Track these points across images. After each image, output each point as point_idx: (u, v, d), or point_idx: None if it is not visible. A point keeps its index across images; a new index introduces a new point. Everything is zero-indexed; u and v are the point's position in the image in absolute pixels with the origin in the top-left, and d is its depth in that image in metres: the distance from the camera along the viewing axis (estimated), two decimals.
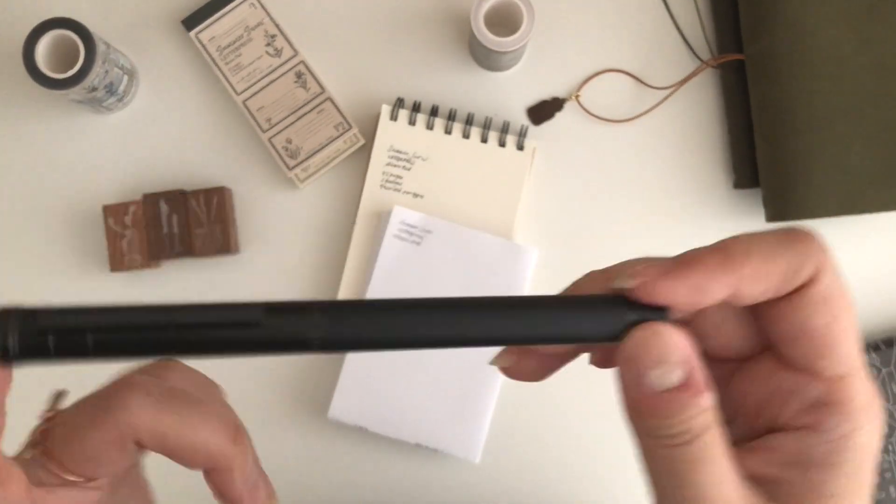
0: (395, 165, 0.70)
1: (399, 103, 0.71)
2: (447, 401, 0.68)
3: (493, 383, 0.68)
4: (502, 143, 0.70)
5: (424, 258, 0.69)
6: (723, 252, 0.20)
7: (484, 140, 0.70)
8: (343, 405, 0.68)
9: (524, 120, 0.72)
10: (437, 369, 0.68)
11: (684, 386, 0.20)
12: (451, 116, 0.70)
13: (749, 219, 0.72)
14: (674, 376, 0.20)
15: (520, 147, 0.70)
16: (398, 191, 0.70)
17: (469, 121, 0.71)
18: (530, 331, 0.22)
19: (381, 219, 0.70)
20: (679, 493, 0.20)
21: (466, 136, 0.70)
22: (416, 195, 0.70)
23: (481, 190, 0.70)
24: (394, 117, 0.70)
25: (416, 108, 0.70)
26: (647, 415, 0.20)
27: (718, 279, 0.20)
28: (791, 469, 0.21)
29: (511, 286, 0.69)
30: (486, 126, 0.70)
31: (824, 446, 0.21)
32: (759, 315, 0.22)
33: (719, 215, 0.72)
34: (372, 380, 0.68)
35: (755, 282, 0.20)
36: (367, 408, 0.68)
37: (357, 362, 0.68)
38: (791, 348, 0.21)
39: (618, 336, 0.21)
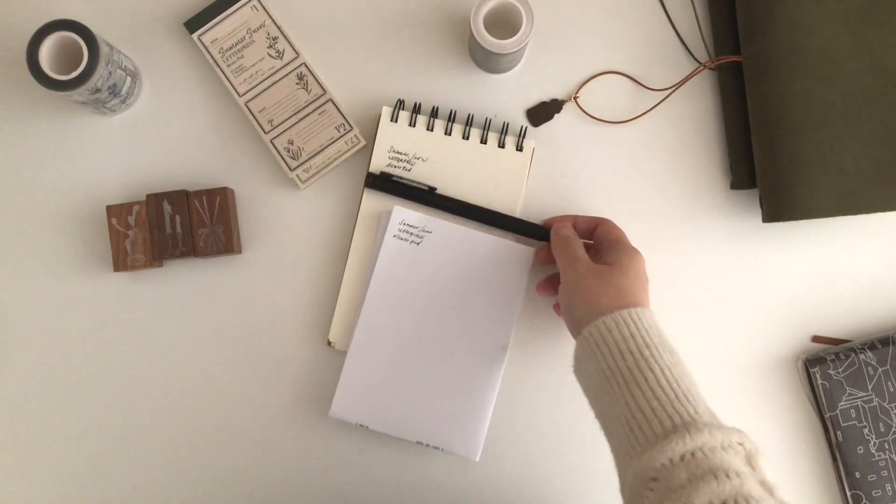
0: (395, 166, 0.71)
1: (400, 105, 0.71)
2: (448, 399, 0.68)
3: (493, 382, 0.69)
4: (502, 145, 0.71)
5: (424, 258, 0.70)
6: (573, 216, 0.69)
7: (483, 141, 0.71)
8: (344, 403, 0.68)
9: (523, 121, 0.72)
10: (437, 368, 0.69)
11: (569, 235, 0.66)
12: (451, 118, 0.71)
13: (746, 219, 0.72)
14: (567, 232, 0.66)
15: (519, 148, 0.71)
16: None
17: (469, 122, 0.71)
18: (522, 227, 0.70)
19: (381, 219, 0.71)
20: (566, 255, 0.64)
21: (466, 137, 0.71)
22: None
23: (481, 191, 0.71)
24: (394, 119, 0.71)
25: (416, 109, 0.71)
26: (558, 240, 0.66)
27: (570, 221, 0.69)
28: (603, 259, 0.63)
29: (511, 286, 0.69)
30: (486, 127, 0.71)
31: (614, 254, 0.62)
32: (593, 238, 0.68)
33: (716, 215, 0.72)
34: (373, 378, 0.69)
35: (582, 224, 0.68)
36: (368, 406, 0.68)
37: (358, 361, 0.69)
38: (601, 238, 0.66)
39: (546, 235, 0.69)
